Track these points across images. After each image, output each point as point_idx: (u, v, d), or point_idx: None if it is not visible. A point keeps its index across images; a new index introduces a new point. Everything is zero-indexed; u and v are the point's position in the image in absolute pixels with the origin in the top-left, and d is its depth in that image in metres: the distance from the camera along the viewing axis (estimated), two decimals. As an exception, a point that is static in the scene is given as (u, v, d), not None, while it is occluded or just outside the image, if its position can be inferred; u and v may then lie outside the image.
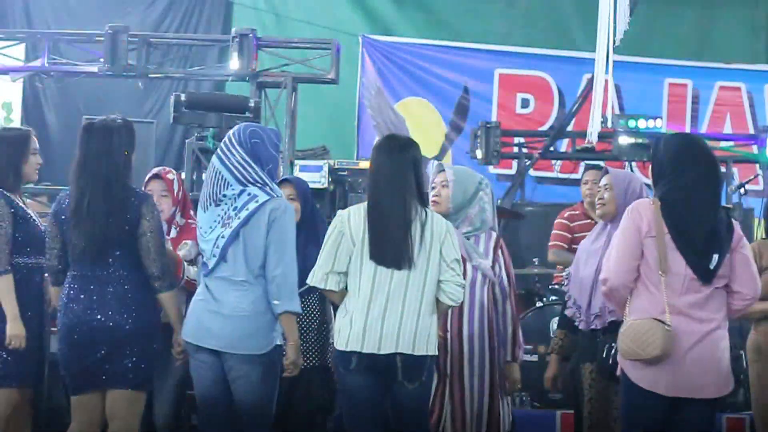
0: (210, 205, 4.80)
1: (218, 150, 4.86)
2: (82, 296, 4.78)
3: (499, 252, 5.23)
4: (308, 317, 5.42)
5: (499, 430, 5.13)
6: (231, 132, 4.91)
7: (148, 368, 4.83)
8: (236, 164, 4.79)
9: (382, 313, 4.57)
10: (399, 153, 4.71)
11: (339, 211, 4.82)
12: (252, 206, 4.74)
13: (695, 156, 4.55)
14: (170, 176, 5.54)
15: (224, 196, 4.78)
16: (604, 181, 5.25)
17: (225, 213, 4.76)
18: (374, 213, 4.65)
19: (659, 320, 4.40)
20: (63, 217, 4.83)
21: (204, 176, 4.95)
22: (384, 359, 4.55)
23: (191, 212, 5.51)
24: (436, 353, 4.65)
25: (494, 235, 5.27)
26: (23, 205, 5.23)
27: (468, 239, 5.15)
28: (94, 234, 4.75)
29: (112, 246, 4.78)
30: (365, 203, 4.72)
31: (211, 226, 4.77)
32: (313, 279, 4.70)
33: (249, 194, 4.76)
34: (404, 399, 4.60)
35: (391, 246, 4.58)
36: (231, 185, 4.77)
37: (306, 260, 5.12)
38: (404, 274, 4.59)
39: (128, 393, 4.78)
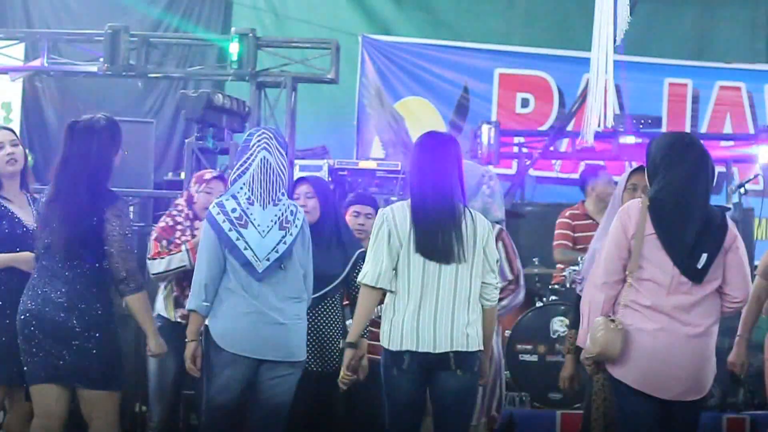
0: (269, 203, 4.77)
1: (264, 146, 4.82)
2: (41, 292, 4.78)
3: (500, 244, 5.23)
4: (333, 322, 5.38)
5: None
6: (268, 131, 4.90)
7: (108, 368, 4.78)
8: (284, 167, 4.83)
9: (434, 312, 4.56)
10: (444, 149, 4.71)
11: (380, 210, 4.81)
12: (300, 216, 4.82)
13: (684, 154, 4.52)
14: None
15: (283, 194, 4.80)
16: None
17: (283, 215, 4.77)
18: (421, 210, 4.62)
19: (610, 318, 4.42)
20: (39, 212, 4.89)
21: (249, 171, 4.85)
22: (436, 356, 4.56)
23: None
24: (483, 348, 4.68)
25: (497, 227, 5.24)
26: (8, 204, 5.19)
27: None
28: (61, 234, 4.74)
29: (79, 247, 4.76)
30: (407, 201, 4.70)
31: (269, 225, 4.75)
32: (366, 278, 4.63)
33: (289, 203, 4.82)
34: (453, 386, 4.60)
35: (442, 241, 4.57)
36: (284, 185, 4.80)
37: (329, 261, 5.10)
38: (452, 271, 4.59)
39: (95, 393, 4.77)
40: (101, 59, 9.40)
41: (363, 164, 9.16)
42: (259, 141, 4.84)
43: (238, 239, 4.73)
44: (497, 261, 4.70)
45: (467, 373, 4.60)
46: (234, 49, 9.27)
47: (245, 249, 4.72)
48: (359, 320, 4.71)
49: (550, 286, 8.02)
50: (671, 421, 4.49)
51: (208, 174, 5.69)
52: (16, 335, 4.87)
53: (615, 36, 7.34)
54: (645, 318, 4.43)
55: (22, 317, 4.80)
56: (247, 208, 4.77)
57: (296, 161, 9.23)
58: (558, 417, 7.04)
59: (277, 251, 4.73)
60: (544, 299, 7.88)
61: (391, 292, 4.62)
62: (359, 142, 11.18)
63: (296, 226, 4.77)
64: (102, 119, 4.88)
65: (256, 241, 4.72)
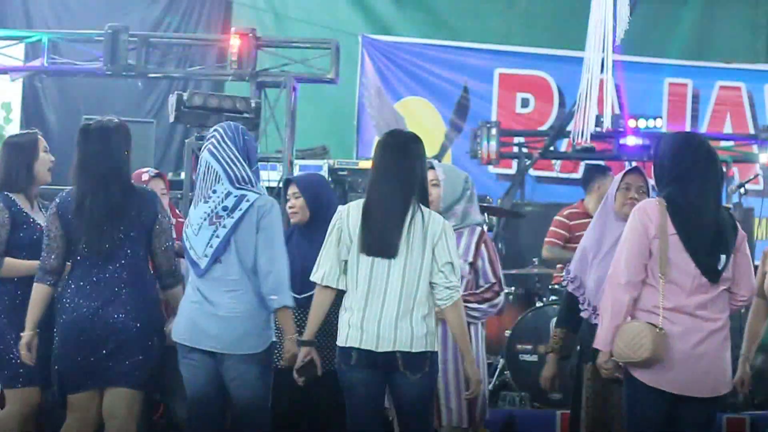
0: (200, 201, 4.79)
1: (209, 146, 4.83)
2: (88, 294, 4.78)
3: (482, 247, 5.23)
4: (326, 322, 5.34)
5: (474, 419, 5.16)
6: (220, 128, 4.89)
7: (148, 368, 4.82)
8: (228, 161, 4.80)
9: (380, 310, 4.56)
10: (402, 148, 4.70)
11: (339, 207, 4.80)
12: (244, 206, 4.74)
13: (695, 154, 4.55)
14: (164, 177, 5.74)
15: (214, 191, 4.77)
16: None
17: (213, 211, 4.75)
18: (370, 206, 4.63)
19: (651, 323, 4.42)
20: (69, 216, 4.83)
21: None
22: (382, 356, 4.54)
23: (177, 211, 5.58)
24: (436, 349, 4.63)
25: (478, 230, 5.26)
26: (27, 210, 5.22)
27: None
28: (99, 233, 4.76)
29: (121, 245, 4.79)
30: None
31: (199, 223, 4.76)
32: (314, 276, 4.69)
33: (237, 195, 4.75)
34: (406, 390, 4.57)
35: (380, 235, 4.56)
36: (221, 181, 4.77)
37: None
38: (400, 270, 4.56)
39: (127, 392, 4.78)
40: (101, 59, 9.41)
41: (363, 164, 9.16)
42: (207, 141, 4.88)
43: (186, 240, 4.81)
44: (447, 262, 4.59)
45: (417, 374, 4.56)
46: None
47: (190, 249, 4.78)
48: (311, 318, 4.74)
49: (549, 286, 8.02)
50: (690, 419, 4.50)
51: (146, 175, 5.70)
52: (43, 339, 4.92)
53: (614, 36, 7.35)
54: (668, 321, 4.44)
55: (68, 326, 4.78)
56: (190, 209, 4.88)
57: (296, 161, 9.25)
58: (558, 417, 7.03)
59: (211, 246, 4.73)
60: (544, 299, 7.88)
61: (340, 289, 4.65)
62: (359, 142, 11.20)
63: (233, 218, 4.72)
64: (113, 119, 4.97)
65: (193, 240, 4.78)
